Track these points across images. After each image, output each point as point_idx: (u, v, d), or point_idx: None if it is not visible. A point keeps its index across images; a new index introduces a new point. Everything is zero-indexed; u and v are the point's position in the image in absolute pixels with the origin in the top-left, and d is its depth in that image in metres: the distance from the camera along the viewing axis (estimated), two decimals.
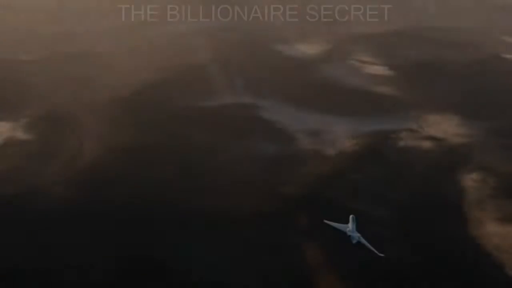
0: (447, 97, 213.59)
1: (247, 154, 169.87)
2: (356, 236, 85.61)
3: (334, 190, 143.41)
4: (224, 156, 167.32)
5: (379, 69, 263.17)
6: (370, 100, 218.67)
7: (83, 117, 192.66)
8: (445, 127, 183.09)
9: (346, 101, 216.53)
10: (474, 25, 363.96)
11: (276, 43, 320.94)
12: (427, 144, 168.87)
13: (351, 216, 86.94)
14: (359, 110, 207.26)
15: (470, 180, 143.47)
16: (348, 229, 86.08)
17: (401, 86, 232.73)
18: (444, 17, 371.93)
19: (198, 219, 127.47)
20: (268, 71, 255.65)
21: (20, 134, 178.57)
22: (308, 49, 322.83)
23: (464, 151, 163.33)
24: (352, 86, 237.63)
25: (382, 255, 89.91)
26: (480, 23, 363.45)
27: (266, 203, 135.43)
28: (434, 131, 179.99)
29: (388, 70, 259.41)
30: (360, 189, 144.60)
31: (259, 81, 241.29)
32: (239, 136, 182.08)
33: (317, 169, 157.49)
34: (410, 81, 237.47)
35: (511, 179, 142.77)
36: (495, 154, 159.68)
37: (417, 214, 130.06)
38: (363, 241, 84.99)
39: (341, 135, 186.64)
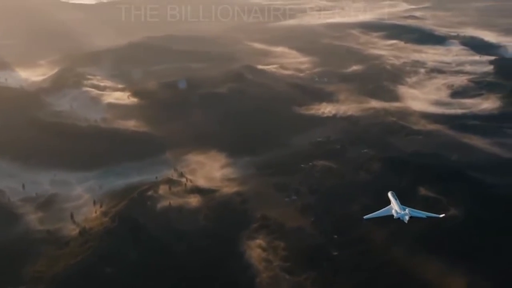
0: (205, 126, 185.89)
1: None
2: (404, 213, 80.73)
3: None
4: None
5: (121, 96, 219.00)
6: (115, 141, 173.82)
7: None
8: (211, 171, 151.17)
9: (85, 147, 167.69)
10: (221, 32, 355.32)
11: None
12: (194, 201, 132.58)
13: (389, 193, 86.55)
14: (103, 158, 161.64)
15: (256, 248, 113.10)
16: (393, 210, 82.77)
17: (150, 117, 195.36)
18: (189, 26, 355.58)
19: None
20: None
21: None
22: (32, 74, 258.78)
23: (239, 203, 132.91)
24: (92, 124, 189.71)
25: (442, 215, 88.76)
26: (227, 29, 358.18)
27: None
28: (199, 179, 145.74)
29: (133, 96, 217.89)
30: None
31: None
32: None
33: (53, 265, 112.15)
34: (159, 109, 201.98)
35: (298, 237, 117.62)
36: (273, 200, 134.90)
37: None
38: (415, 213, 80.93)
39: (84, 200, 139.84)
